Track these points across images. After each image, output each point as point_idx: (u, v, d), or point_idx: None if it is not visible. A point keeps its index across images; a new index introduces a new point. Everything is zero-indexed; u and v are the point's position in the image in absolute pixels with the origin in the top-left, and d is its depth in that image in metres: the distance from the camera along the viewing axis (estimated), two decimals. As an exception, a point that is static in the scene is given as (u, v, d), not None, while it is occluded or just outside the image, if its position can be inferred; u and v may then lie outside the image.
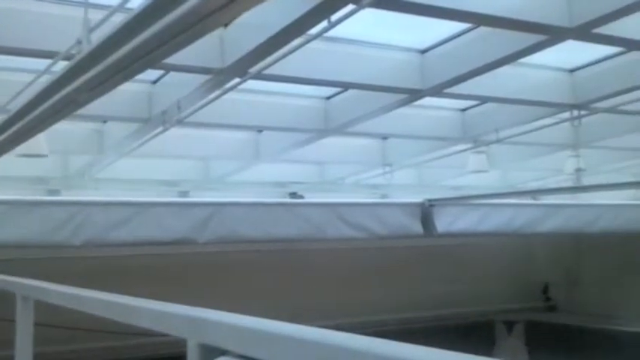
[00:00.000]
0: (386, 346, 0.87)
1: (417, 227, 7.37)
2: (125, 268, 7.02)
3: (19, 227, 6.04)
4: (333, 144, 7.24)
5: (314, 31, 3.84)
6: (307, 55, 4.53)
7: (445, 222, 7.42)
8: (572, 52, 5.43)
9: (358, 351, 0.85)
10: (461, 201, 7.74)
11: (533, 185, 9.35)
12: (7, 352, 2.39)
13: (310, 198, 8.03)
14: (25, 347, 2.34)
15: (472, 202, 7.68)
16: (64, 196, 7.33)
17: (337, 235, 7.05)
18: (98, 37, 2.07)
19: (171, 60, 3.86)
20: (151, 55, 1.87)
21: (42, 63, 3.70)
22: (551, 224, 7.96)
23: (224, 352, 1.13)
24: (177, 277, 7.04)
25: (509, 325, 9.44)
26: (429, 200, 7.45)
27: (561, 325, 9.12)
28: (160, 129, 5.28)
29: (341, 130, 6.46)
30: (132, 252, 7.15)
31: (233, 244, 7.03)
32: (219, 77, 4.44)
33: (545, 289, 10.20)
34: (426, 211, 7.45)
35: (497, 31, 4.42)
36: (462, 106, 6.85)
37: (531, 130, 6.74)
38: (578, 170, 7.70)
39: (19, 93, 3.46)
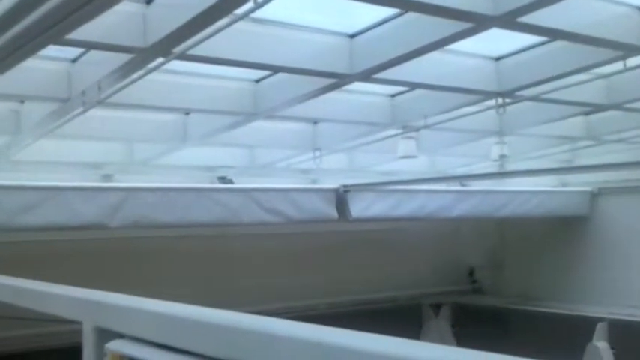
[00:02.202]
0: (286, 325, 0.84)
1: (332, 212, 7.52)
2: (37, 255, 6.83)
3: None
4: (263, 128, 7.18)
5: (240, 11, 3.79)
6: (234, 37, 4.45)
7: (359, 207, 7.61)
8: (498, 41, 5.53)
9: (258, 331, 0.83)
10: (375, 187, 7.90)
11: (460, 171, 9.54)
12: None
13: (240, 183, 7.98)
14: None
15: (385, 189, 7.86)
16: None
17: (252, 220, 7.09)
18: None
19: (90, 37, 3.76)
20: (56, 28, 1.78)
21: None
22: (461, 209, 8.20)
23: (120, 335, 1.09)
24: (90, 264, 6.90)
25: (436, 308, 9.66)
26: (344, 186, 7.60)
27: (486, 307, 9.39)
28: (80, 109, 5.11)
29: (270, 113, 6.40)
30: (46, 237, 6.97)
31: (150, 229, 6.96)
32: (142, 57, 4.32)
33: (472, 273, 10.49)
34: (340, 197, 7.62)
35: (426, 17, 4.45)
36: (392, 92, 6.90)
37: (459, 117, 6.85)
38: (502, 157, 7.88)
39: None
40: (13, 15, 1.77)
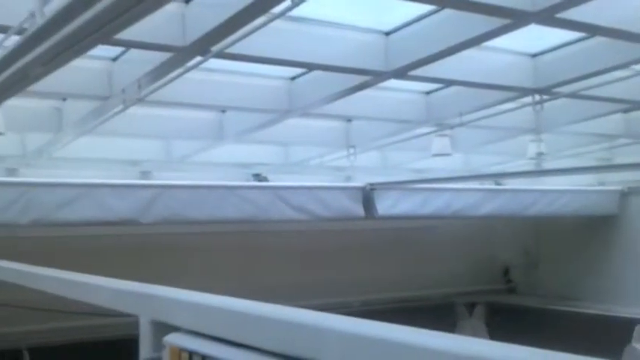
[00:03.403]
0: (338, 321, 0.86)
1: (359, 210, 7.55)
2: (79, 249, 6.96)
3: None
4: (297, 125, 7.22)
5: (277, 9, 3.81)
6: (271, 35, 4.48)
7: (386, 205, 7.62)
8: (536, 37, 5.48)
9: (314, 326, 0.84)
10: (401, 185, 7.90)
11: (494, 169, 9.46)
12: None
13: (274, 180, 8.03)
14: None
15: (412, 187, 7.86)
16: (17, 176, 7.25)
17: (280, 217, 7.18)
18: (51, 10, 2.01)
19: (131, 36, 3.81)
20: (105, 29, 1.82)
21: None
22: (488, 208, 8.15)
23: (176, 329, 1.12)
24: (127, 258, 7.01)
25: (470, 307, 9.59)
26: (371, 184, 7.63)
27: (521, 307, 9.29)
28: (120, 107, 5.19)
29: (305, 111, 6.43)
30: (87, 232, 7.12)
31: (181, 225, 7.07)
32: (181, 55, 4.38)
33: (506, 272, 10.38)
34: (367, 195, 7.65)
35: (462, 13, 4.43)
36: (427, 89, 6.87)
37: (494, 114, 6.80)
38: (539, 154, 7.80)
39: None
40: (66, 15, 1.82)
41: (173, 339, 1.11)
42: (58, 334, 7.16)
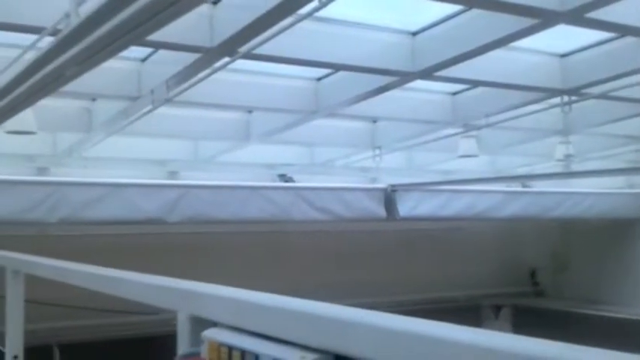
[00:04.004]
0: (373, 317, 0.86)
1: (381, 211, 7.57)
2: (110, 247, 7.06)
3: (-1, 205, 6.13)
4: (323, 126, 7.23)
5: (304, 10, 3.82)
6: (298, 36, 4.49)
7: (407, 206, 7.64)
8: (564, 37, 5.42)
9: (350, 322, 0.85)
10: (423, 186, 7.90)
11: (522, 171, 9.38)
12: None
13: (300, 180, 8.07)
14: (16, 322, 2.33)
15: (433, 188, 7.85)
16: (47, 175, 7.38)
17: (303, 217, 7.23)
18: (86, 10, 2.05)
19: (160, 37, 3.85)
20: (139, 29, 1.85)
21: (26, 38, 3.67)
22: (511, 210, 8.11)
23: (215, 324, 1.14)
24: (156, 256, 7.08)
25: (496, 309, 9.53)
26: (392, 185, 7.64)
27: (547, 310, 9.21)
28: (148, 107, 5.25)
29: (331, 111, 6.44)
30: (119, 231, 7.22)
31: (207, 225, 7.16)
32: (209, 56, 4.41)
33: (533, 274, 10.29)
34: (389, 196, 7.66)
35: (490, 13, 4.40)
36: (453, 90, 6.84)
37: (522, 115, 6.74)
38: (568, 156, 7.72)
39: (5, 68, 3.42)
40: (101, 16, 1.85)
41: (212, 334, 1.13)
42: (88, 331, 7.26)
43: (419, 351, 0.78)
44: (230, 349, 1.05)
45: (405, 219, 7.76)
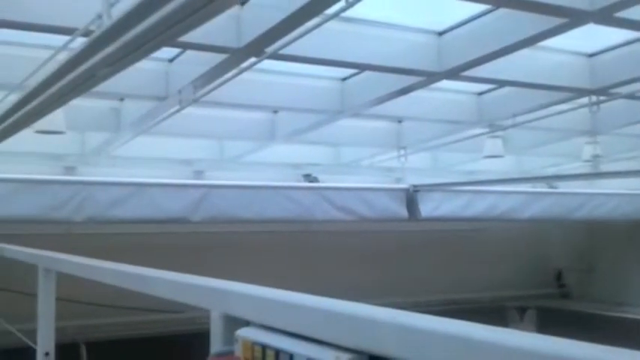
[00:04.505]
0: (412, 318, 0.86)
1: (402, 211, 7.58)
2: (133, 246, 7.14)
3: (26, 204, 6.25)
4: (348, 126, 7.24)
5: (331, 10, 3.82)
6: (324, 36, 4.51)
7: (429, 207, 7.64)
8: (593, 36, 5.36)
9: (385, 322, 0.85)
10: (445, 187, 7.88)
11: (549, 171, 9.30)
12: (29, 325, 2.45)
13: (325, 180, 8.08)
14: (48, 320, 2.37)
15: (455, 189, 7.82)
16: (75, 175, 7.48)
17: (324, 217, 7.26)
18: (118, 12, 2.07)
19: (187, 38, 3.89)
20: (172, 31, 1.87)
21: (58, 39, 3.72)
22: (533, 211, 8.04)
23: (247, 323, 1.15)
24: (180, 255, 7.14)
25: (521, 311, 9.46)
26: (414, 186, 7.63)
27: (574, 312, 9.12)
28: (176, 108, 5.29)
29: (356, 111, 6.45)
30: (144, 230, 7.31)
31: (231, 224, 7.22)
32: (235, 57, 4.43)
33: (559, 276, 10.20)
34: (411, 196, 7.66)
35: (517, 13, 4.37)
36: (479, 90, 6.81)
37: (548, 116, 6.68)
38: (595, 157, 7.64)
39: (37, 69, 3.48)
40: (133, 17, 1.87)
41: (245, 333, 1.14)
42: (113, 329, 7.34)
43: (455, 352, 0.79)
44: (264, 348, 1.06)
45: (427, 219, 7.77)
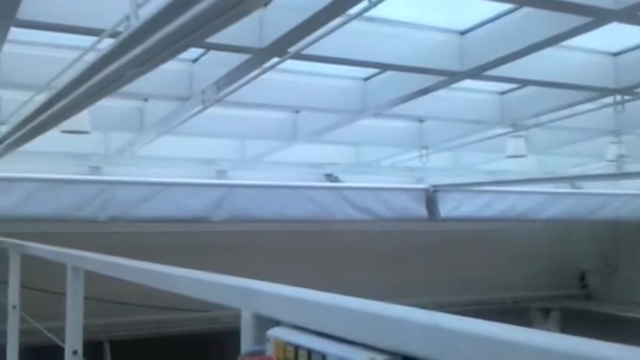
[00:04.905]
0: (446, 319, 0.86)
1: (422, 211, 7.57)
2: (156, 245, 7.20)
3: (51, 203, 6.34)
4: (369, 126, 7.24)
5: (353, 10, 3.82)
6: (346, 36, 4.51)
7: (449, 207, 7.62)
8: (617, 35, 5.31)
9: (420, 323, 0.85)
10: (465, 187, 7.86)
11: (572, 172, 9.21)
12: (57, 324, 2.48)
13: (346, 180, 8.08)
14: (76, 318, 2.40)
15: (475, 189, 7.79)
16: (100, 174, 7.57)
17: (343, 217, 7.28)
18: (146, 13, 2.10)
19: (211, 38, 3.89)
20: (200, 32, 1.89)
21: (85, 40, 3.76)
22: (553, 211, 7.98)
23: (278, 323, 1.15)
24: (200, 254, 7.20)
25: (545, 312, 9.40)
26: (434, 186, 7.62)
27: (597, 313, 9.04)
28: (199, 108, 5.33)
29: (378, 111, 6.44)
30: (165, 229, 7.37)
31: (252, 223, 7.27)
32: (258, 57, 4.45)
33: (582, 277, 10.11)
34: (430, 196, 7.65)
35: (540, 12, 4.35)
36: (502, 89, 6.77)
37: (572, 115, 6.63)
38: (620, 157, 7.56)
39: (64, 70, 3.52)
40: (161, 18, 1.89)
41: (277, 332, 1.15)
42: (137, 327, 7.39)
43: (490, 354, 0.79)
44: (296, 348, 1.07)
45: (447, 219, 7.75)
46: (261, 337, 1.21)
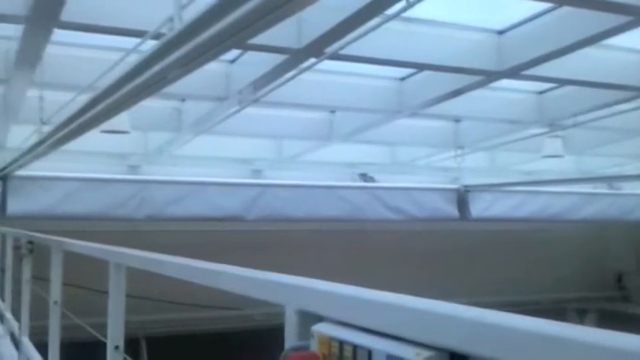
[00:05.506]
0: (496, 316, 0.86)
1: (453, 211, 7.55)
2: (190, 243, 7.28)
3: (90, 202, 6.46)
4: (405, 125, 7.22)
5: (391, 11, 3.83)
6: (383, 36, 4.51)
7: (480, 207, 7.59)
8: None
9: (469, 319, 0.85)
10: (497, 187, 7.82)
11: (611, 172, 9.07)
12: (101, 320, 2.54)
13: (381, 180, 8.08)
14: (118, 314, 2.45)
15: (507, 189, 7.73)
16: (138, 173, 7.68)
17: (376, 216, 7.30)
18: (190, 15, 2.13)
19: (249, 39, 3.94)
20: (244, 33, 1.92)
21: (126, 41, 3.83)
22: (587, 212, 7.86)
23: (321, 319, 1.17)
24: (234, 253, 7.26)
25: (582, 313, 9.28)
26: (465, 186, 7.58)
27: (635, 315, 8.88)
28: (236, 108, 5.38)
29: (414, 111, 6.43)
30: (200, 227, 7.45)
31: (284, 223, 7.33)
32: (296, 57, 4.48)
33: (620, 279, 9.96)
34: (461, 196, 7.62)
35: (579, 11, 4.30)
36: (539, 89, 6.70)
37: (611, 115, 6.54)
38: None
39: (106, 71, 3.59)
40: (205, 20, 1.92)
41: (321, 328, 1.16)
42: (173, 325, 7.48)
43: (542, 351, 0.79)
44: (341, 343, 1.08)
45: (478, 219, 7.74)
46: (304, 334, 1.23)
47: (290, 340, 1.27)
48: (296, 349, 1.22)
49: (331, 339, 1.11)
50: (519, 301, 8.76)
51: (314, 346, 1.17)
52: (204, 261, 1.76)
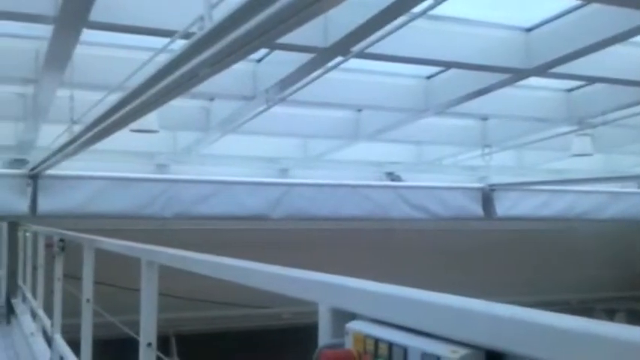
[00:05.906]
0: (533, 314, 0.85)
1: (478, 210, 7.51)
2: (215, 241, 7.33)
3: (120, 200, 6.54)
4: (431, 124, 7.19)
5: (418, 9, 3.81)
6: (410, 34, 4.50)
7: (505, 206, 7.54)
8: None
9: (506, 317, 0.85)
10: (522, 186, 7.76)
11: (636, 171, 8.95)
12: (131, 317, 2.57)
13: (407, 179, 8.06)
14: (150, 311, 2.47)
15: (533, 188, 7.66)
16: (167, 172, 7.76)
17: (400, 215, 7.29)
18: (220, 14, 2.15)
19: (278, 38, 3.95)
20: (274, 32, 1.93)
21: (154, 41, 3.86)
22: (614, 211, 7.76)
23: (354, 317, 1.17)
24: (259, 251, 7.28)
25: (611, 313, 9.17)
26: (490, 185, 7.53)
27: (667, 317, 8.75)
28: (263, 107, 5.40)
29: (441, 110, 6.40)
30: (225, 226, 7.50)
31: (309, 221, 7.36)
32: (322, 56, 4.48)
33: (649, 279, 9.81)
34: (486, 195, 7.57)
35: (609, 8, 4.25)
36: (568, 87, 6.64)
37: (641, 113, 6.45)
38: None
39: (136, 70, 3.62)
40: (235, 19, 1.94)
41: (356, 326, 1.16)
42: (203, 322, 7.53)
43: (580, 349, 0.79)
44: (376, 341, 1.08)
45: (503, 218, 7.70)
46: (336, 332, 1.23)
47: (324, 338, 1.27)
48: (330, 346, 1.22)
49: (366, 337, 1.11)
50: (547, 301, 8.67)
51: (349, 344, 1.17)
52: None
